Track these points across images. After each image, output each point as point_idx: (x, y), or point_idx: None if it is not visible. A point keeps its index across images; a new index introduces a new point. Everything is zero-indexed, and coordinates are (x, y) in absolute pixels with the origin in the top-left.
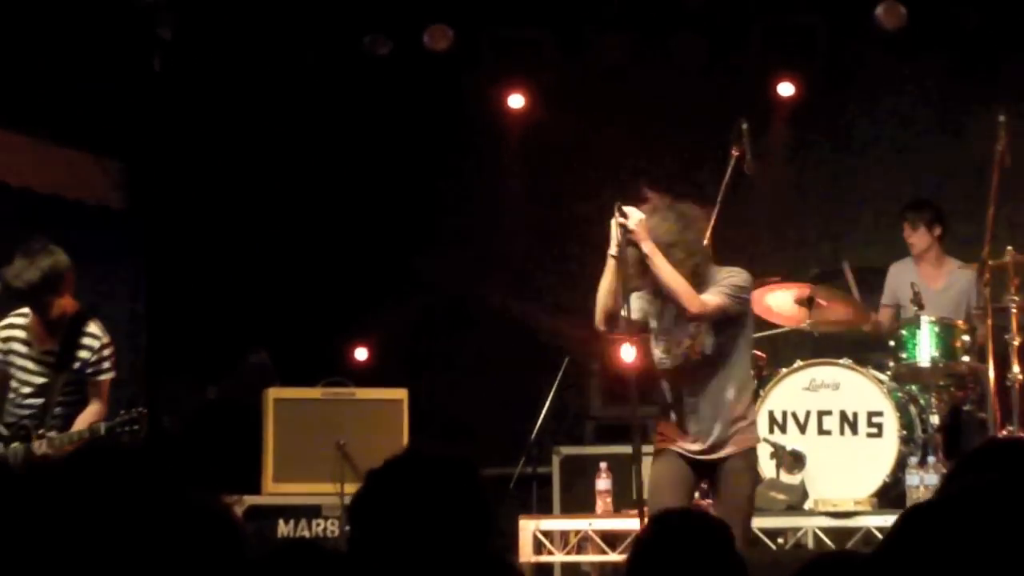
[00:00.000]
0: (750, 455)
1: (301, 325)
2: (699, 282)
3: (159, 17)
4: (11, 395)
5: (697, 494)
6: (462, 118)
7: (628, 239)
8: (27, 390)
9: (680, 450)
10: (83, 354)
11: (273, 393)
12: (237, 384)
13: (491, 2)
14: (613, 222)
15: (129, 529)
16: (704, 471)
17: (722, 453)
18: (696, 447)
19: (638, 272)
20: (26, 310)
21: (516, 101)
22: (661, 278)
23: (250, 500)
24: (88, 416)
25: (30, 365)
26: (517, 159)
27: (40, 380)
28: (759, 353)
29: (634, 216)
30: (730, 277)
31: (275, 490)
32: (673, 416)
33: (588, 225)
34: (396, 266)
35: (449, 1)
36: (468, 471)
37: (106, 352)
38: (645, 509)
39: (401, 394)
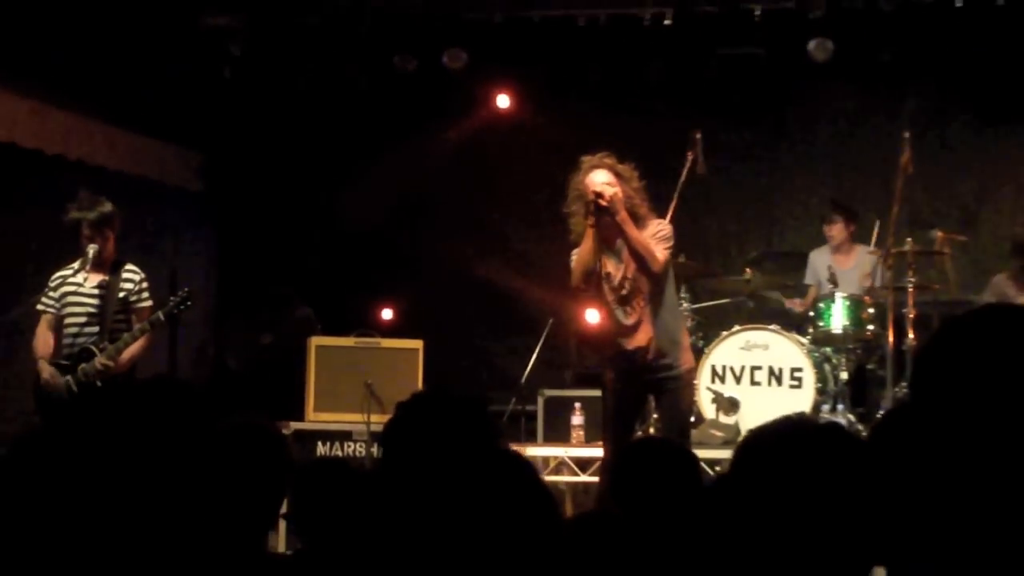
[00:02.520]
0: (691, 373)
1: (340, 288)
2: (639, 225)
3: (231, 36)
4: (68, 330)
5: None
6: (468, 124)
7: (604, 209)
8: (84, 319)
9: (628, 366)
10: (127, 285)
11: (315, 341)
12: (287, 333)
13: (492, 32)
14: (587, 196)
15: (201, 448)
16: (651, 388)
17: (669, 374)
18: (639, 354)
19: (610, 233)
20: (75, 264)
21: (503, 102)
22: (632, 241)
23: (295, 426)
24: (139, 338)
25: (84, 299)
26: (508, 155)
27: (94, 309)
28: None
29: (610, 190)
30: (661, 230)
31: (315, 418)
32: (623, 337)
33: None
34: (417, 247)
35: (462, 30)
36: (479, 406)
37: (144, 284)
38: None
39: (418, 344)
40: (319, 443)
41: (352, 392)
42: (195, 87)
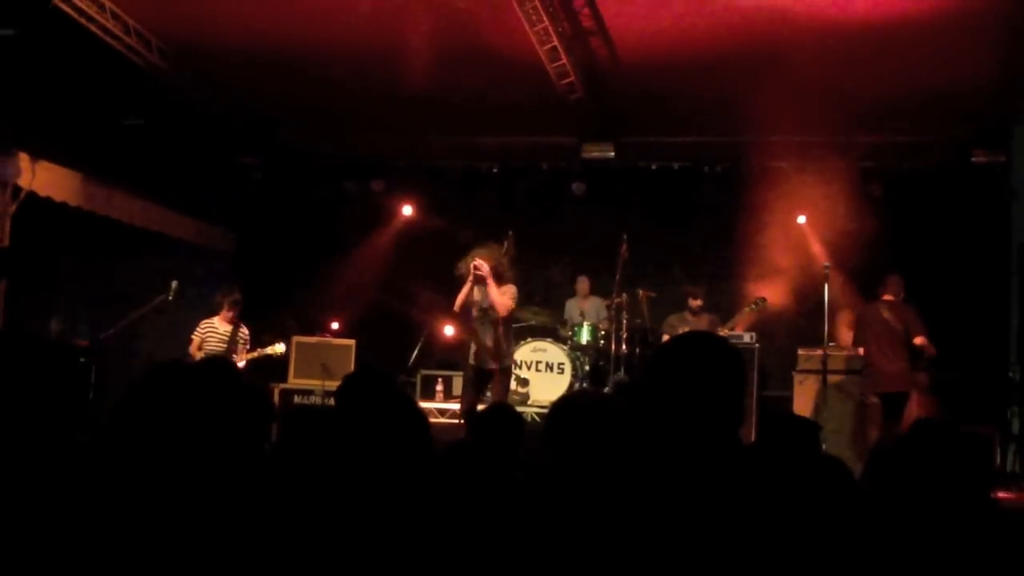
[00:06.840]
0: (510, 369)
1: (311, 311)
2: (499, 283)
3: (252, 168)
4: (208, 346)
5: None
6: (395, 227)
7: (479, 276)
8: (218, 345)
9: (478, 365)
10: (241, 338)
11: (296, 339)
12: (280, 334)
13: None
14: (472, 266)
15: (232, 396)
16: (489, 377)
17: (498, 367)
18: (486, 363)
19: (478, 288)
20: (215, 317)
21: (407, 211)
22: (493, 296)
23: (283, 386)
24: (242, 355)
25: (219, 335)
26: (409, 242)
27: (224, 338)
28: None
29: (485, 266)
30: (509, 290)
31: (294, 382)
32: (479, 349)
33: (443, 275)
34: (353, 292)
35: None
36: (383, 376)
37: (248, 338)
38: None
39: (351, 343)
40: (296, 396)
41: (315, 368)
42: (233, 197)
